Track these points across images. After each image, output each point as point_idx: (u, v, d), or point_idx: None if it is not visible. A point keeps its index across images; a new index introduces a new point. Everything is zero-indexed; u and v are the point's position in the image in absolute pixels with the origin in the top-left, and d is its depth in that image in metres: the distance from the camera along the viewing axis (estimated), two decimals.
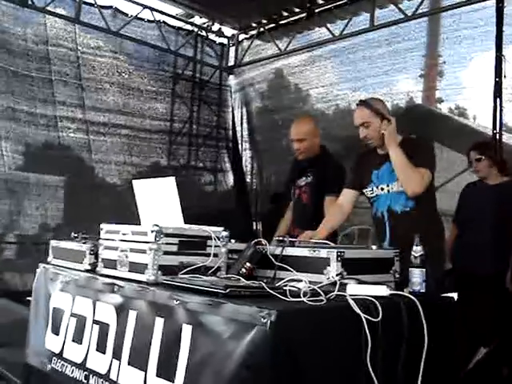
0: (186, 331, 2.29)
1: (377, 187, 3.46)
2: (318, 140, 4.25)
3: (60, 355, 3.18)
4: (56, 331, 3.28)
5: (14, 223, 6.16)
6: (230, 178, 8.34)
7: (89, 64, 6.99)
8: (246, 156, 8.42)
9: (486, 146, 4.65)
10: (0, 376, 4.57)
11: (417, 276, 2.62)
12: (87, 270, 3.24)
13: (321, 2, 7.13)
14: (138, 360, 2.54)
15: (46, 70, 6.60)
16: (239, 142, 8.41)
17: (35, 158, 6.46)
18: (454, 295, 2.86)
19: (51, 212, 6.35)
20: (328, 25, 7.08)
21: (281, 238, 2.94)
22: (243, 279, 2.61)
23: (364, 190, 3.54)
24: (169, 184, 2.91)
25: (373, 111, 3.38)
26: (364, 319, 2.19)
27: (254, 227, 7.68)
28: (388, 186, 3.39)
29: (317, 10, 7.21)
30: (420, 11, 6.16)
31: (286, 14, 7.57)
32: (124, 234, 2.93)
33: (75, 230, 3.76)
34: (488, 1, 5.61)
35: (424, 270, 2.62)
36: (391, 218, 3.39)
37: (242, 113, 8.41)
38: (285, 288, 2.34)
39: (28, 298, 4.38)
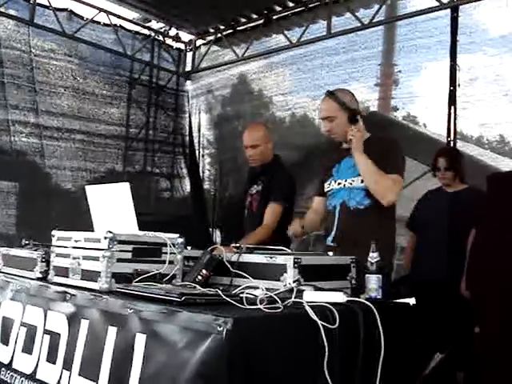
0: (140, 340, 2.23)
1: (334, 181, 3.40)
2: (270, 146, 4.23)
3: (9, 366, 3.06)
4: (5, 341, 3.17)
5: None
6: (187, 185, 8.28)
7: (42, 67, 6.85)
8: (204, 162, 8.39)
9: (455, 154, 4.71)
10: None
11: (373, 282, 2.62)
12: (38, 278, 3.14)
13: (278, 8, 7.15)
14: (90, 370, 2.46)
15: None
16: (196, 148, 8.37)
17: None
18: (411, 301, 2.87)
19: (2, 218, 6.19)
20: (285, 32, 7.10)
21: (237, 245, 2.92)
22: (199, 287, 2.57)
23: (325, 184, 3.49)
24: (123, 190, 2.86)
25: (340, 105, 3.31)
26: (321, 326, 2.17)
27: (212, 234, 7.63)
28: (346, 181, 3.33)
29: (274, 17, 7.24)
30: (376, 20, 6.23)
31: (243, 20, 7.57)
32: (76, 241, 2.86)
33: (27, 236, 3.67)
34: (443, 10, 5.72)
35: (380, 276, 2.63)
36: (342, 212, 3.33)
37: (199, 119, 8.38)
38: (241, 295, 2.31)
39: None
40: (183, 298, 2.19)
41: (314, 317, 2.18)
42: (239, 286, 2.56)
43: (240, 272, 2.68)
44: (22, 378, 2.93)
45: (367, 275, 2.64)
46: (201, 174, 8.31)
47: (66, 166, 6.89)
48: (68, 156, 6.91)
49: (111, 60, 7.61)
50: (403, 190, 4.74)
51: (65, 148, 6.89)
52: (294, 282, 2.48)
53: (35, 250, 3.31)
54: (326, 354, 2.17)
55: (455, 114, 5.56)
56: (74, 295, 2.71)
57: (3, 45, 6.51)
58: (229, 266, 2.73)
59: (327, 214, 3.47)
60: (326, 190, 3.48)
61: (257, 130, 4.30)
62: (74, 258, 2.82)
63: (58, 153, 6.82)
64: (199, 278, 2.67)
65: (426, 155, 4.95)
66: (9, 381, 3.03)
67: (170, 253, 2.75)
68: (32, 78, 6.76)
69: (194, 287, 2.56)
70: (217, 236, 7.08)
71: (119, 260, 2.63)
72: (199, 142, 8.35)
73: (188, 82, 8.54)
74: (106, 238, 2.61)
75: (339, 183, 3.37)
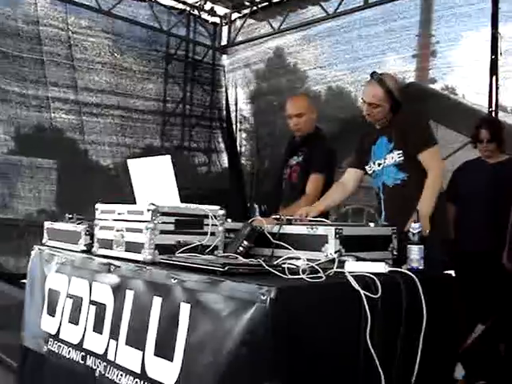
0: (184, 310, 2.28)
1: (374, 163, 3.46)
2: (314, 116, 4.21)
3: (56, 336, 3.16)
4: (52, 312, 3.26)
5: (7, 206, 6.12)
6: (225, 159, 8.30)
7: (80, 44, 6.91)
8: (241, 137, 8.38)
9: (497, 125, 4.61)
10: None
11: (415, 253, 2.61)
12: (83, 251, 3.22)
13: None
14: (136, 340, 2.53)
15: (37, 51, 6.52)
16: (233, 122, 8.36)
17: (28, 140, 6.40)
18: (452, 272, 2.86)
19: (44, 194, 6.31)
20: (322, 3, 7.00)
21: (277, 216, 2.93)
22: (241, 257, 2.60)
23: (366, 168, 3.55)
24: (164, 163, 2.88)
25: (387, 93, 3.33)
26: (363, 295, 2.18)
27: (250, 208, 7.65)
28: (380, 159, 3.40)
29: None
30: None
31: None
32: (120, 214, 2.90)
33: (69, 211, 3.74)
34: None
35: (422, 246, 2.62)
36: (384, 192, 3.40)
37: (236, 93, 8.36)
38: (283, 266, 2.33)
39: (22, 281, 4.36)
40: (226, 268, 2.22)
41: (357, 286, 2.19)
42: (280, 256, 2.59)
43: (281, 243, 2.70)
44: (70, 348, 3.01)
45: (409, 246, 2.63)
46: (238, 149, 8.31)
47: (105, 142, 6.97)
48: (107, 132, 6.98)
49: (147, 36, 7.63)
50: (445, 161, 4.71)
51: (104, 124, 6.97)
52: (335, 252, 2.49)
53: (79, 224, 3.37)
54: (369, 323, 2.18)
55: (497, 84, 5.44)
56: (118, 267, 2.77)
57: (41, 23, 6.58)
58: (270, 237, 2.75)
59: (376, 197, 3.53)
60: (369, 172, 3.54)
61: (301, 100, 4.30)
62: (118, 231, 2.87)
63: (98, 129, 6.90)
64: (241, 249, 2.70)
65: (466, 126, 4.86)
66: (56, 350, 3.13)
67: (212, 224, 2.78)
68: (70, 55, 6.82)
69: (236, 258, 2.59)
70: (255, 210, 7.09)
71: (162, 232, 2.67)
72: (236, 116, 8.34)
73: (224, 57, 8.51)
74: (148, 210, 2.65)
75: (379, 164, 3.43)
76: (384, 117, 3.40)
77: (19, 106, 6.32)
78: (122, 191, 5.62)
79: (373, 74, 3.44)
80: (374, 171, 3.48)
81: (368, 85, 3.47)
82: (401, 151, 3.30)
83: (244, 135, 8.39)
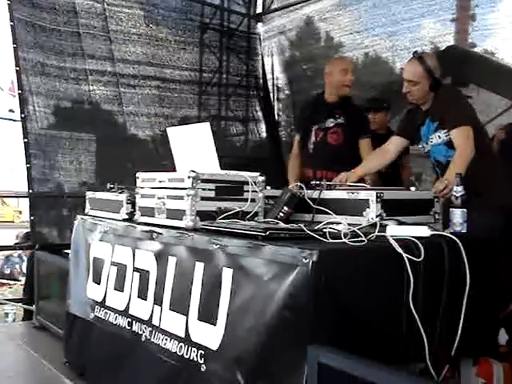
0: (227, 274, 2.30)
1: (426, 143, 3.49)
2: None
3: (102, 303, 3.25)
4: (97, 280, 3.34)
5: (49, 178, 6.21)
6: (263, 128, 8.25)
7: (115, 16, 6.89)
8: (279, 106, 8.32)
9: None
10: (43, 327, 4.70)
11: (458, 216, 2.59)
12: (125, 219, 3.27)
13: None
14: (180, 305, 2.58)
15: (74, 24, 6.52)
16: (270, 90, 8.29)
17: (67, 112, 6.46)
18: None
19: (85, 165, 6.37)
20: None
21: (318, 182, 2.92)
22: (281, 223, 2.60)
23: (418, 146, 3.60)
24: (204, 130, 2.89)
25: (426, 71, 3.33)
26: (406, 259, 2.17)
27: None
28: (429, 139, 3.44)
29: None
30: None
31: None
32: (160, 182, 2.94)
33: (109, 182, 3.79)
34: None
35: (465, 210, 2.59)
36: (440, 167, 3.42)
37: (272, 61, 8.28)
38: (324, 230, 2.33)
39: (66, 251, 4.46)
40: (268, 233, 2.23)
41: (399, 250, 2.18)
42: (321, 222, 2.59)
43: (321, 208, 2.69)
44: (116, 314, 3.09)
45: (452, 209, 2.60)
46: (276, 117, 8.26)
47: (143, 113, 6.98)
48: (145, 103, 6.98)
49: (181, 5, 7.55)
50: (485, 127, 4.63)
51: (141, 95, 6.97)
52: (376, 216, 2.48)
53: (120, 193, 3.42)
54: (412, 286, 2.18)
55: None
56: (160, 234, 2.81)
57: None
58: (310, 202, 2.74)
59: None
60: (423, 151, 3.58)
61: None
62: (159, 198, 2.90)
63: (135, 100, 6.90)
64: (281, 214, 2.71)
65: (509, 89, 4.75)
66: (103, 317, 3.21)
67: (252, 191, 2.79)
68: (106, 27, 6.81)
69: (277, 223, 2.60)
70: None
71: (203, 198, 2.69)
72: (273, 84, 8.27)
73: (259, 25, 8.40)
74: (189, 177, 2.67)
75: (430, 143, 3.46)
76: (423, 95, 3.40)
77: (58, 79, 6.36)
78: (161, 162, 5.67)
79: (414, 53, 3.47)
80: (428, 150, 3.51)
81: (408, 63, 3.49)
82: (446, 130, 3.32)
83: (280, 105, 8.32)
